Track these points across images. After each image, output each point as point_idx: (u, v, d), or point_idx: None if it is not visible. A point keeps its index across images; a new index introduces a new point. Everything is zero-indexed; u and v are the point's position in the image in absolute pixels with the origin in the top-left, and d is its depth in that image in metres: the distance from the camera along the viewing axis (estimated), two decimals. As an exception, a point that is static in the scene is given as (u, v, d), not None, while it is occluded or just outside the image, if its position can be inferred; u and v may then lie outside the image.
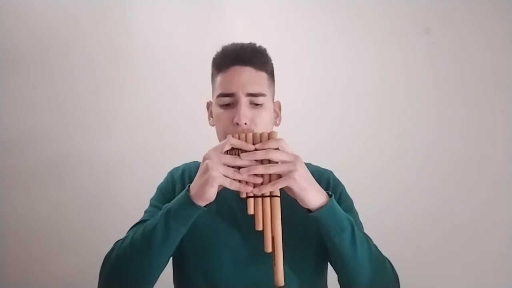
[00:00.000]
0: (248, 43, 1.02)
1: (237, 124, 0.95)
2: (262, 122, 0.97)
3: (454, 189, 1.72)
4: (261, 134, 0.91)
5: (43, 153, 1.90)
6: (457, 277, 1.68)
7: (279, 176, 0.87)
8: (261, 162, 0.88)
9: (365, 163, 1.77)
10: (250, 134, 0.91)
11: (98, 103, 1.91)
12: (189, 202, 0.88)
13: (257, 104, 0.97)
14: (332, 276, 0.97)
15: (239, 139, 0.90)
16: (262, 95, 0.97)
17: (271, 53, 1.04)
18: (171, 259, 1.01)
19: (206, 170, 0.86)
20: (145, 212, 1.06)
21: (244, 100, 0.96)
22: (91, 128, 1.91)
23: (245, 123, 0.95)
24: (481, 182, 1.70)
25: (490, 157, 1.71)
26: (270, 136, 0.91)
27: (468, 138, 1.73)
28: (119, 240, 0.97)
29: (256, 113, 0.96)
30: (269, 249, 0.85)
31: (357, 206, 1.06)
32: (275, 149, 0.88)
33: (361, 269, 0.89)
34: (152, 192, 1.11)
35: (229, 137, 0.90)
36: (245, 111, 0.95)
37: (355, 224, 0.91)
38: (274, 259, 0.85)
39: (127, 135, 1.90)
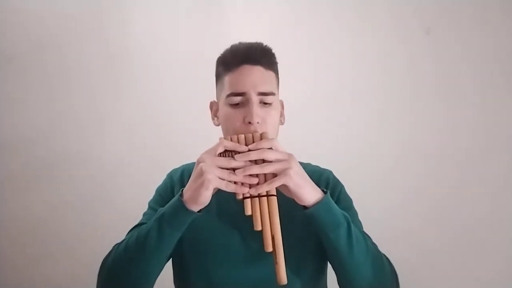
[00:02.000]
0: (256, 43, 1.02)
1: (250, 123, 0.94)
2: (272, 121, 0.97)
3: (460, 190, 1.69)
4: (253, 135, 0.91)
5: (39, 154, 1.88)
6: (462, 280, 1.67)
7: (274, 175, 0.87)
8: (255, 162, 0.88)
9: (368, 164, 1.74)
10: (242, 136, 0.91)
11: (95, 104, 1.88)
12: (182, 207, 0.88)
13: (266, 103, 0.97)
14: (332, 276, 0.98)
15: (231, 141, 0.90)
16: (272, 94, 0.98)
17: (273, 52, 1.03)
18: (170, 260, 1.02)
19: (201, 173, 0.85)
20: (144, 214, 1.06)
21: (255, 100, 0.95)
22: (88, 130, 1.88)
23: (258, 122, 0.95)
24: (488, 184, 1.68)
25: (497, 158, 1.68)
26: (262, 136, 0.91)
27: (474, 138, 1.70)
28: (117, 244, 0.98)
29: (266, 112, 0.97)
30: (269, 248, 0.85)
31: (362, 207, 1.06)
32: (269, 148, 0.88)
33: (358, 265, 0.89)
34: (149, 193, 1.10)
35: (222, 139, 0.90)
36: (257, 110, 0.95)
37: (352, 222, 0.91)
38: (275, 257, 0.85)
39: (124, 137, 1.88)
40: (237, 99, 0.96)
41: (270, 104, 0.97)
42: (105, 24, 1.89)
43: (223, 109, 0.99)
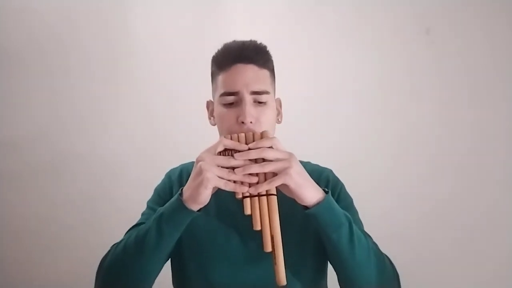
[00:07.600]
0: (250, 41, 1.00)
1: (242, 122, 0.93)
2: (266, 120, 0.96)
3: (458, 190, 1.69)
4: (253, 134, 0.90)
5: (41, 153, 1.89)
6: (462, 279, 1.66)
7: (274, 174, 0.86)
8: (255, 161, 0.87)
9: (368, 163, 1.74)
10: (243, 134, 0.90)
11: (97, 103, 1.89)
12: (181, 206, 0.87)
13: (260, 102, 0.96)
14: (333, 276, 0.97)
15: (231, 139, 0.89)
16: (266, 92, 0.96)
17: (272, 52, 1.02)
18: (169, 261, 1.01)
19: (200, 172, 0.85)
20: (142, 214, 1.05)
21: (248, 99, 0.94)
22: (89, 129, 1.89)
23: (251, 122, 0.93)
24: (487, 183, 1.67)
25: (495, 157, 1.68)
26: (262, 135, 0.90)
27: (472, 138, 1.70)
28: (115, 244, 0.97)
29: (261, 111, 0.95)
30: (268, 248, 0.84)
31: (361, 206, 1.05)
32: (269, 147, 0.87)
33: (359, 265, 0.88)
34: (150, 193, 1.10)
35: (222, 138, 0.89)
36: (250, 109, 0.93)
37: (353, 221, 0.90)
38: (275, 258, 0.84)
39: (126, 136, 1.88)
40: (230, 98, 0.95)
41: (264, 103, 0.96)
42: (108, 24, 1.90)
43: (218, 109, 0.99)
